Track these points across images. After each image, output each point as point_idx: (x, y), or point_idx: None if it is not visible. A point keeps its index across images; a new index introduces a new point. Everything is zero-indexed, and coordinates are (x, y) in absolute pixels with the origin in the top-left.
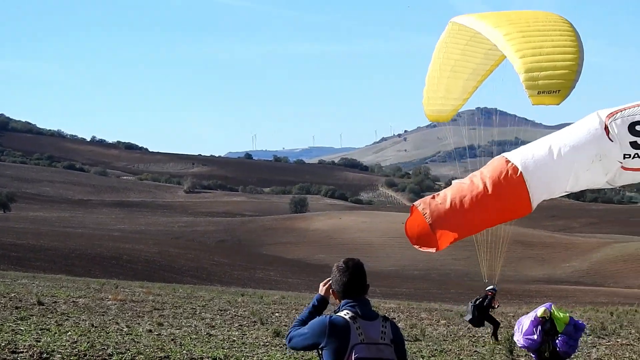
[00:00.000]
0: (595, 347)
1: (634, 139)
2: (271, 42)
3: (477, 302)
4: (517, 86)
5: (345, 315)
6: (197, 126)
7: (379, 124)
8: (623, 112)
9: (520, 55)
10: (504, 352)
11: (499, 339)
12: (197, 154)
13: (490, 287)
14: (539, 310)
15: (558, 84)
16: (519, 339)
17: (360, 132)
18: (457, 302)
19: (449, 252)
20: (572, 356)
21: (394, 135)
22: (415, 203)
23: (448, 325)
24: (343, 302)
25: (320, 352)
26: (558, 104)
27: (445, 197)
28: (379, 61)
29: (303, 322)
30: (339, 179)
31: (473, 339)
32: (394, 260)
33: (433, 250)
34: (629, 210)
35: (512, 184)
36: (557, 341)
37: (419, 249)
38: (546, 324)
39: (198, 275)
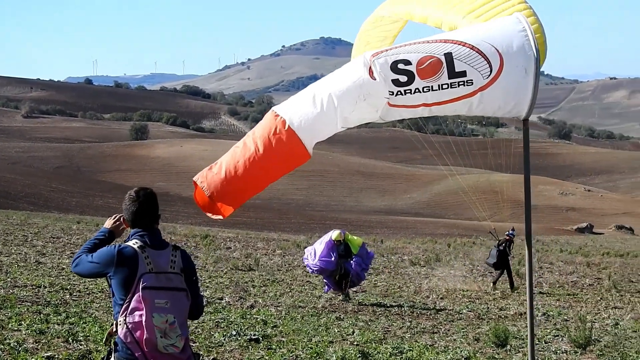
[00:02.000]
0: (427, 278)
1: (395, 77)
2: None
3: (502, 247)
4: (362, 15)
5: (134, 244)
6: (35, 50)
7: (223, 51)
8: (388, 51)
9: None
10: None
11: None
12: (35, 78)
13: (510, 231)
14: (334, 234)
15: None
16: (315, 263)
17: (204, 60)
18: (296, 232)
19: (290, 182)
20: (363, 283)
21: (237, 63)
22: (195, 177)
23: (283, 255)
24: (132, 231)
25: (109, 281)
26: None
27: (220, 166)
28: None
29: (90, 250)
30: (180, 106)
31: (307, 269)
32: None
33: (221, 217)
34: (470, 142)
35: (284, 137)
36: (351, 262)
37: (211, 216)
38: (340, 247)
39: (35, 202)
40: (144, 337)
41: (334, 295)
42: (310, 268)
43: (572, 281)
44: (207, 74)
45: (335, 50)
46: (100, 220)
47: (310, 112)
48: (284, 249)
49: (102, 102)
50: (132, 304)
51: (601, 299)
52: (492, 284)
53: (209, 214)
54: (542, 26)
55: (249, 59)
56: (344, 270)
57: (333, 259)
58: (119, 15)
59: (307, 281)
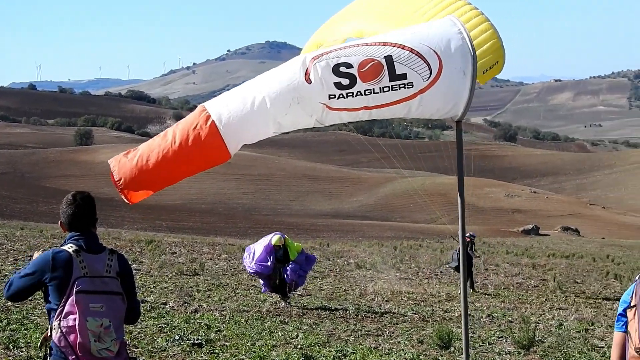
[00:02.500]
0: (373, 281)
1: (337, 79)
2: None
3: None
4: (308, 20)
5: (69, 248)
6: None
7: (168, 56)
8: (329, 54)
9: None
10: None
11: (475, 288)
12: None
13: (470, 233)
14: (274, 238)
15: (494, 57)
16: (251, 265)
17: (149, 64)
18: (242, 237)
19: (236, 186)
20: (302, 287)
21: (182, 67)
22: (109, 160)
23: (229, 260)
24: (68, 235)
25: (45, 291)
26: (500, 72)
27: (136, 153)
28: None
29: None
30: (125, 111)
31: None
32: (181, 193)
33: (128, 202)
34: (416, 145)
35: (203, 133)
36: (287, 268)
37: (123, 197)
38: (279, 252)
39: None
40: (78, 341)
41: (278, 299)
42: (247, 269)
43: (517, 283)
44: (152, 78)
45: (280, 54)
46: (44, 226)
47: (240, 111)
48: (230, 254)
49: (46, 107)
50: (66, 308)
51: (546, 300)
52: (470, 290)
53: (121, 195)
54: (497, 31)
55: (194, 64)
56: (280, 275)
57: (269, 263)
58: (63, 20)
59: (252, 285)
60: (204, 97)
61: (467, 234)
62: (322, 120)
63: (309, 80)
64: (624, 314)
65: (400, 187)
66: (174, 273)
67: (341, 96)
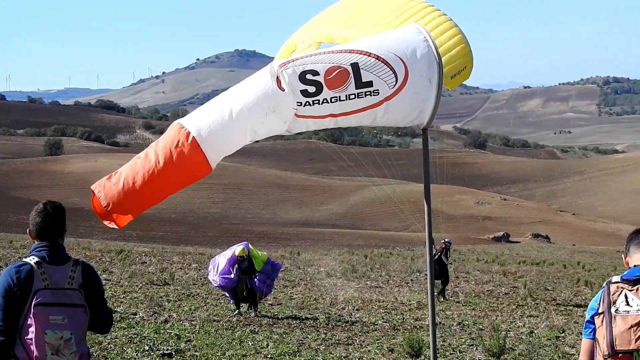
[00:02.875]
0: (343, 289)
1: (304, 87)
2: None
3: (436, 257)
4: (278, 28)
5: (30, 260)
6: None
7: (137, 65)
8: (295, 61)
9: None
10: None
11: (445, 296)
12: None
13: (445, 239)
14: (237, 249)
15: (462, 63)
16: (214, 278)
17: (118, 74)
18: (213, 246)
19: (206, 196)
20: (269, 296)
21: (152, 77)
22: (92, 186)
23: (199, 269)
24: (33, 246)
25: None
26: (468, 78)
27: (119, 176)
28: (132, 1)
29: None
30: (95, 120)
31: None
32: None
33: (116, 227)
34: (386, 153)
35: (186, 150)
36: (254, 279)
37: (107, 224)
38: (243, 263)
39: None
40: (34, 354)
41: (248, 309)
42: (212, 282)
43: (488, 290)
44: (121, 88)
45: (250, 62)
46: (13, 237)
47: (219, 123)
48: (200, 263)
49: (16, 117)
50: (27, 321)
51: (517, 307)
52: (439, 296)
53: (105, 222)
54: (465, 36)
55: (163, 73)
56: (249, 286)
57: (233, 275)
58: (32, 30)
59: (223, 294)
60: (173, 106)
61: (443, 240)
62: (291, 128)
63: (281, 88)
64: (591, 321)
65: (370, 195)
66: (144, 283)
67: (307, 104)
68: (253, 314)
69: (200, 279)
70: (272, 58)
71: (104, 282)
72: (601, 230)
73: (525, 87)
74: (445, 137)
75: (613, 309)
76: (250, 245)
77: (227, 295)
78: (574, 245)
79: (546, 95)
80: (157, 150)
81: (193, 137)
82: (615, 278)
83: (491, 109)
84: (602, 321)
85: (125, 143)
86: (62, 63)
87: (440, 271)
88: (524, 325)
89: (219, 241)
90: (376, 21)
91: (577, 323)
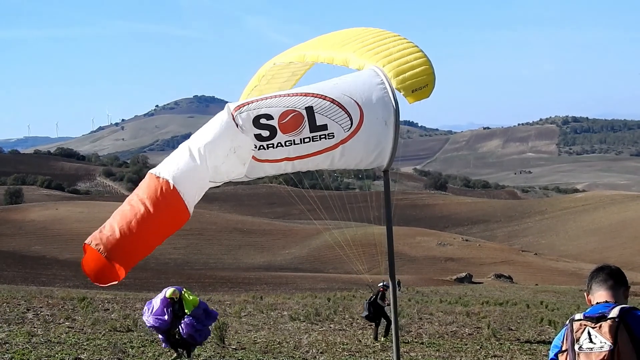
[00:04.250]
0: (307, 333)
1: (258, 131)
2: None
3: (372, 300)
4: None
5: None
6: None
7: (96, 112)
8: (249, 105)
9: (383, 64)
10: (214, 340)
11: (388, 336)
12: None
13: (382, 283)
14: (168, 291)
15: (424, 79)
16: (148, 319)
17: (77, 121)
18: None
19: (168, 241)
20: (202, 343)
21: (111, 124)
22: (87, 241)
23: None
24: None
25: None
26: (428, 97)
27: (112, 227)
28: (90, 48)
29: None
30: (55, 168)
31: None
32: None
33: (115, 282)
34: (346, 196)
35: (168, 198)
36: (182, 322)
37: (102, 285)
38: (175, 305)
39: None
40: None
41: (212, 354)
42: (146, 322)
43: (452, 331)
44: (81, 135)
45: (209, 108)
46: None
47: (189, 165)
48: None
49: None
50: None
51: (481, 347)
52: (373, 338)
53: (100, 284)
54: (430, 61)
55: (122, 120)
56: (178, 330)
57: (167, 317)
58: None
59: (206, 342)
60: (133, 152)
61: (381, 283)
62: (249, 172)
63: (240, 129)
64: (555, 359)
65: (331, 239)
66: (107, 330)
67: (262, 147)
68: (187, 358)
69: None
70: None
71: (66, 329)
72: (563, 270)
73: (484, 128)
74: (405, 179)
75: (576, 346)
76: (184, 289)
77: (160, 338)
78: (536, 284)
79: (506, 136)
80: (142, 199)
81: (173, 185)
82: (578, 316)
83: (451, 150)
84: (566, 358)
85: (86, 190)
86: (20, 111)
87: (374, 313)
88: None
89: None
90: (345, 42)
91: None
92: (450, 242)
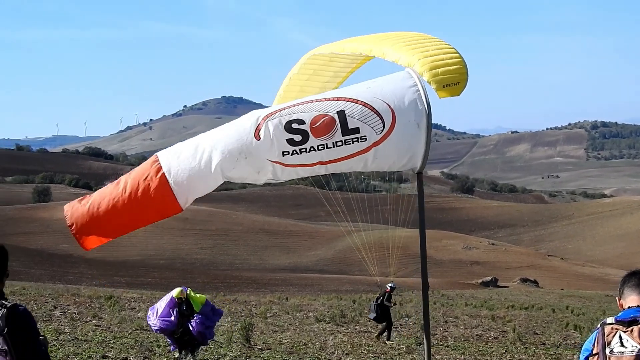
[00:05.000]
0: (333, 334)
1: (290, 136)
2: (2, 29)
3: (379, 301)
4: (263, 75)
5: None
6: None
7: (125, 112)
8: (282, 111)
9: (418, 58)
10: (241, 340)
11: (390, 339)
12: None
13: (390, 284)
14: (175, 291)
15: (456, 77)
16: (155, 322)
17: (105, 121)
18: (201, 291)
19: (194, 242)
20: (210, 341)
21: (139, 124)
22: (65, 205)
23: None
24: None
25: None
26: (459, 95)
27: (88, 200)
28: (119, 49)
29: None
30: (83, 168)
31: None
32: (139, 249)
33: (84, 248)
34: (373, 198)
35: (153, 185)
36: (192, 321)
37: (79, 244)
38: (182, 306)
39: None
40: None
41: (239, 354)
42: (152, 327)
43: (477, 334)
44: (109, 135)
45: (236, 109)
46: None
47: (189, 164)
48: None
49: (3, 165)
50: None
51: (506, 351)
52: (376, 337)
53: (78, 242)
54: (465, 62)
55: (150, 119)
56: (188, 329)
57: (173, 318)
58: (19, 77)
59: (213, 340)
60: None
61: (389, 285)
62: (277, 176)
63: (258, 137)
64: None
65: (357, 241)
66: (133, 328)
67: (295, 152)
68: (193, 358)
69: None
70: (259, 104)
71: (93, 327)
72: (589, 275)
73: (512, 132)
74: (432, 182)
75: (607, 350)
76: (189, 289)
77: (168, 339)
78: (562, 289)
79: (534, 140)
80: (127, 179)
81: (163, 173)
82: (610, 319)
83: (479, 154)
84: None
85: None
86: (49, 111)
87: (382, 315)
88: None
89: (207, 287)
90: (383, 38)
91: None
92: (477, 245)
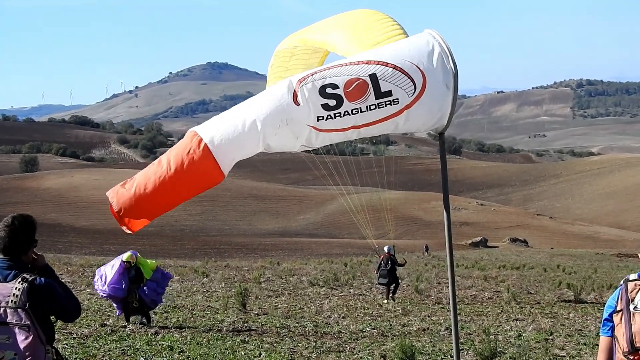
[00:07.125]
0: (328, 298)
1: (324, 101)
2: None
3: (388, 266)
4: (249, 40)
5: None
6: None
7: (110, 80)
8: (314, 75)
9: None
10: (237, 305)
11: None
12: None
13: (386, 247)
14: (125, 255)
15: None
16: (103, 289)
17: (91, 89)
18: (191, 258)
19: (183, 208)
20: (160, 306)
21: (125, 91)
22: (107, 192)
23: (182, 282)
24: None
25: None
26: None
27: (133, 183)
28: (103, 15)
29: None
30: (70, 136)
31: (207, 294)
32: None
33: (130, 231)
34: (361, 161)
35: (197, 157)
36: (143, 288)
37: (124, 229)
38: (131, 272)
39: None
40: None
41: (236, 319)
42: (100, 292)
43: (471, 295)
44: (95, 103)
45: (222, 74)
46: None
47: (232, 133)
48: (182, 275)
49: None
50: None
51: (502, 311)
52: (386, 301)
53: (122, 227)
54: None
55: (136, 87)
56: (137, 296)
57: (123, 286)
58: (4, 47)
59: (209, 306)
60: (147, 119)
61: (386, 247)
62: (311, 143)
63: (297, 102)
64: (609, 319)
65: (345, 204)
66: None
67: (329, 117)
68: (147, 325)
69: (184, 290)
70: (245, 70)
71: (88, 297)
72: (579, 233)
73: (498, 92)
74: (419, 144)
75: (632, 306)
76: (138, 254)
77: (116, 306)
78: (552, 248)
79: (520, 100)
80: (169, 157)
81: (205, 144)
82: (633, 276)
83: (465, 115)
84: (621, 319)
85: (101, 158)
86: (34, 80)
87: (392, 277)
88: (511, 329)
89: (197, 253)
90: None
91: (564, 325)
92: (465, 206)
